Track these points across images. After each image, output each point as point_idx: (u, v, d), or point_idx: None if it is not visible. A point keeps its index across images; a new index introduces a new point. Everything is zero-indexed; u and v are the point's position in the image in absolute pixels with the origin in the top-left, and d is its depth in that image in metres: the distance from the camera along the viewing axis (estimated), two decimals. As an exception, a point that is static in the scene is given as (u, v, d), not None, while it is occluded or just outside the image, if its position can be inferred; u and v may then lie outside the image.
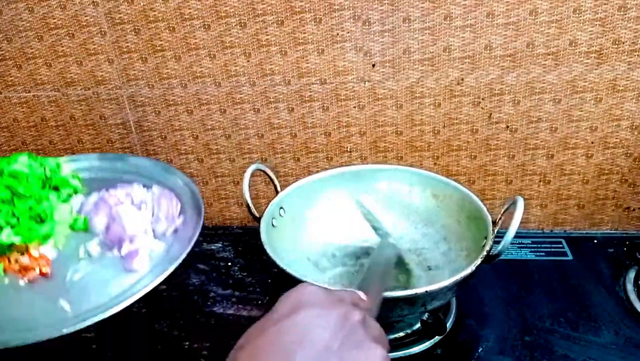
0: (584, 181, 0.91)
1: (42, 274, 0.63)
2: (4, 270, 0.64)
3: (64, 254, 0.67)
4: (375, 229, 0.77)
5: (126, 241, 0.66)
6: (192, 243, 0.65)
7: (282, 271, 0.65)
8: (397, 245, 0.68)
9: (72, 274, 0.64)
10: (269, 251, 0.68)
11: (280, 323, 0.36)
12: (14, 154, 0.72)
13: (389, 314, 0.66)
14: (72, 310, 0.59)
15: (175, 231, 0.71)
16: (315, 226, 0.84)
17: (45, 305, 0.60)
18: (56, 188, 0.72)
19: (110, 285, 0.62)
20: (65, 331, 0.55)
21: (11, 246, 0.64)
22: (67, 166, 0.78)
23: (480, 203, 0.75)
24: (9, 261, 0.64)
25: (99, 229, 0.70)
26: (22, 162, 0.70)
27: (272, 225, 0.75)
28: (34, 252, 0.65)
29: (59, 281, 0.63)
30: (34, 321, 0.58)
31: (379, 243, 0.65)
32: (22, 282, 0.63)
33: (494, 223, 0.71)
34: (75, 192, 0.74)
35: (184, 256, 0.63)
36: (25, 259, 0.64)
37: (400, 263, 0.75)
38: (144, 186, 0.76)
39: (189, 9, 0.85)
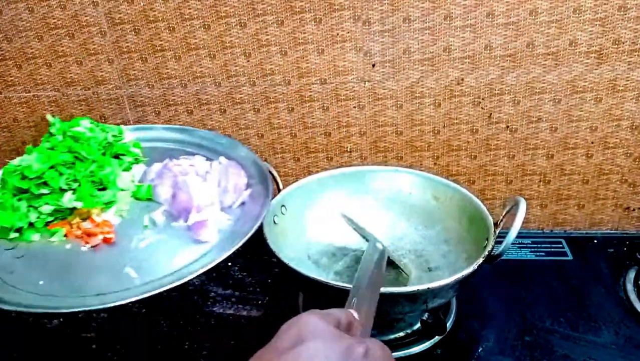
0: (584, 181, 0.91)
1: (105, 240, 0.61)
2: (66, 235, 0.62)
3: (128, 222, 0.64)
4: (363, 237, 0.77)
5: (193, 211, 0.63)
6: (262, 218, 0.63)
7: (284, 266, 0.65)
8: (385, 248, 0.68)
9: (137, 242, 0.61)
10: (271, 246, 0.68)
11: (285, 355, 0.36)
12: (75, 117, 0.70)
13: (390, 311, 0.66)
14: (139, 278, 0.56)
15: (243, 204, 0.68)
16: (316, 226, 0.84)
17: (109, 272, 0.57)
18: (117, 157, 0.70)
19: (177, 255, 0.59)
20: (133, 299, 0.52)
21: (73, 211, 0.62)
22: (129, 134, 0.76)
23: (481, 205, 0.75)
24: (71, 226, 0.62)
25: (163, 199, 0.67)
26: (84, 126, 0.69)
27: (274, 222, 0.76)
28: (97, 218, 0.62)
29: (124, 248, 0.60)
30: (97, 287, 0.55)
31: (366, 249, 0.65)
32: (84, 248, 0.60)
33: (496, 225, 0.71)
34: (137, 161, 0.72)
35: (253, 230, 0.60)
36: (87, 225, 0.62)
37: (391, 266, 0.75)
38: (207, 159, 0.73)
39: (189, 9, 0.85)
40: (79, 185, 0.64)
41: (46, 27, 0.89)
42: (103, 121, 0.95)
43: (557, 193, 0.92)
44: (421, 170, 0.86)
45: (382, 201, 0.86)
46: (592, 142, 0.87)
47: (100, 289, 0.55)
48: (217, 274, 0.88)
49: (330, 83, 0.88)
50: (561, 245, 0.91)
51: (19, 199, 0.62)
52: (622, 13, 0.78)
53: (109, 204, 0.64)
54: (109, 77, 0.92)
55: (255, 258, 0.90)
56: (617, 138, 0.86)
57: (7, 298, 0.54)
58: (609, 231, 0.94)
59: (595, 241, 0.92)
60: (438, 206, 0.82)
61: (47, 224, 0.62)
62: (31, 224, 0.62)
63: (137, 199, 0.67)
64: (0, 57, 0.92)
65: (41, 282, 0.56)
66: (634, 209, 0.92)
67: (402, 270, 0.76)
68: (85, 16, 0.87)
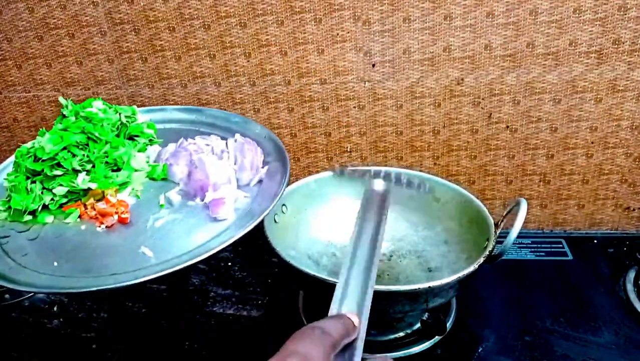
0: (584, 181, 0.91)
1: (120, 220, 0.60)
2: (80, 216, 0.61)
3: (143, 202, 0.63)
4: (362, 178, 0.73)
5: (210, 189, 0.62)
6: (279, 196, 0.61)
7: (285, 264, 0.65)
8: (388, 185, 0.66)
9: (152, 221, 0.60)
10: (273, 244, 0.68)
11: None
12: (88, 99, 0.69)
13: (391, 310, 0.66)
14: (155, 257, 0.55)
15: (260, 181, 0.66)
16: (316, 225, 0.84)
17: (125, 251, 0.56)
18: (131, 138, 0.69)
19: (194, 233, 0.58)
20: (149, 277, 0.51)
21: (87, 192, 0.61)
22: (142, 116, 0.74)
23: (482, 205, 0.75)
24: (85, 207, 0.61)
25: (179, 178, 0.66)
26: (96, 107, 0.67)
27: (275, 221, 0.76)
28: (111, 198, 0.62)
29: (139, 228, 0.59)
30: (113, 268, 0.54)
31: (362, 199, 0.64)
32: (99, 228, 0.59)
33: (496, 225, 0.71)
34: (151, 142, 0.71)
35: (271, 207, 0.59)
36: (102, 205, 0.61)
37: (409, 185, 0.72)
38: (222, 138, 0.72)
39: (189, 9, 0.85)
40: (93, 166, 0.63)
41: (46, 27, 0.89)
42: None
43: (557, 193, 0.92)
44: (421, 170, 0.86)
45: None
46: (592, 142, 0.87)
47: (116, 270, 0.54)
48: (217, 274, 0.88)
49: (330, 83, 0.88)
50: (561, 245, 0.91)
51: (33, 182, 0.62)
52: (622, 13, 0.78)
53: (123, 185, 0.63)
54: (109, 77, 0.92)
55: (255, 258, 0.90)
56: (617, 138, 0.86)
57: (21, 280, 0.53)
58: (609, 231, 0.94)
59: (595, 241, 0.92)
60: (438, 207, 0.82)
61: (61, 206, 0.62)
62: (45, 207, 0.61)
63: (152, 179, 0.66)
64: (0, 57, 0.92)
65: (55, 263, 0.55)
66: (634, 209, 0.92)
67: (422, 185, 0.74)
68: (85, 16, 0.87)
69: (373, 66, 0.86)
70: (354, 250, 0.56)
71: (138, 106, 0.92)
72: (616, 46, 0.80)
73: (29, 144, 0.64)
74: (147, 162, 0.68)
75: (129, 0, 0.85)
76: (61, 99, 0.69)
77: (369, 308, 0.48)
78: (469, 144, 0.90)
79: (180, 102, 0.92)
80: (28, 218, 0.61)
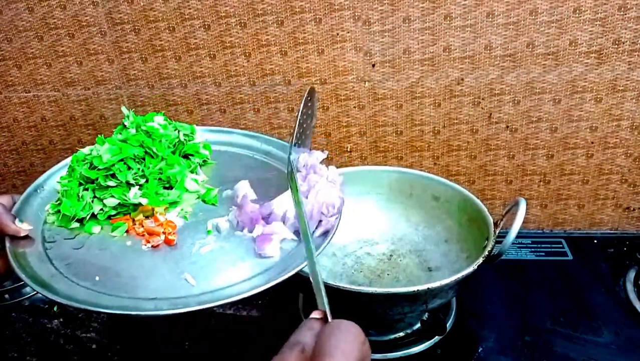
0: (584, 181, 0.91)
1: (167, 241, 0.59)
2: (127, 231, 0.60)
3: (190, 225, 0.62)
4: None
5: (260, 223, 0.60)
6: (330, 239, 0.57)
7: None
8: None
9: (198, 247, 0.58)
10: None
11: None
12: (150, 113, 0.68)
13: (390, 311, 0.66)
14: (197, 286, 0.54)
15: (325, 233, 0.60)
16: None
17: (167, 275, 0.55)
18: (186, 156, 0.68)
19: (238, 266, 0.56)
20: (189, 309, 0.50)
21: (137, 207, 0.60)
22: (201, 135, 0.73)
23: (481, 204, 0.75)
24: (134, 222, 0.60)
25: (230, 206, 0.63)
26: (157, 122, 0.67)
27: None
28: (160, 217, 0.61)
29: (184, 252, 0.58)
30: (154, 291, 0.53)
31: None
32: (144, 247, 0.58)
33: (496, 225, 0.71)
34: (205, 163, 0.70)
35: (320, 251, 0.56)
36: (150, 223, 0.60)
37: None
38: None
39: (189, 9, 0.85)
40: (146, 181, 0.62)
41: (46, 27, 0.89)
42: (103, 121, 0.95)
43: (557, 193, 0.92)
44: (421, 170, 0.86)
45: (382, 201, 0.86)
46: (592, 142, 0.87)
47: (157, 294, 0.53)
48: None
49: (330, 83, 0.88)
50: (561, 245, 0.91)
51: (85, 189, 0.61)
52: (622, 13, 0.78)
53: (173, 204, 0.63)
54: (109, 77, 0.92)
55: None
56: (617, 138, 0.86)
57: (61, 290, 0.52)
58: (609, 231, 0.94)
59: (595, 241, 0.92)
60: (438, 206, 0.82)
61: (109, 218, 0.61)
62: (93, 216, 0.61)
63: (204, 202, 0.65)
64: (0, 57, 0.92)
65: (97, 278, 0.54)
66: (634, 209, 0.92)
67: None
68: (85, 16, 0.87)
69: (373, 65, 0.86)
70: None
71: (138, 106, 0.93)
72: (616, 46, 0.80)
73: (86, 150, 0.63)
74: (199, 183, 0.66)
75: (129, 0, 0.85)
76: (124, 109, 0.68)
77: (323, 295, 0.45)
78: (469, 144, 0.90)
79: (180, 102, 0.92)
80: (75, 225, 0.60)
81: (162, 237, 0.59)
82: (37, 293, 0.82)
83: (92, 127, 0.96)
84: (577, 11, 0.78)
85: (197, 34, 0.86)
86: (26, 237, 0.56)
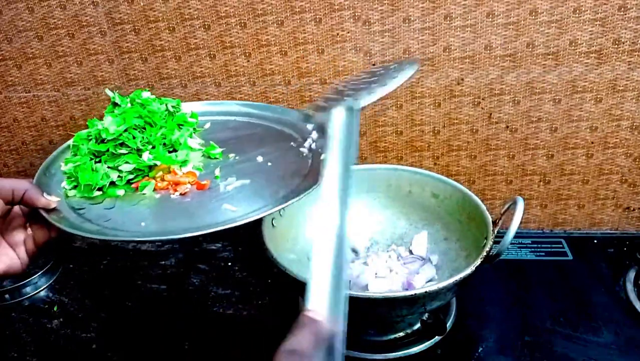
0: (584, 181, 0.91)
1: (200, 187, 0.61)
2: (154, 189, 0.62)
3: (205, 175, 0.65)
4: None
5: None
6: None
7: (283, 272, 0.65)
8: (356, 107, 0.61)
9: (224, 186, 0.61)
10: (271, 252, 0.68)
11: None
12: (136, 90, 0.71)
13: (389, 314, 0.66)
14: (240, 210, 0.56)
15: None
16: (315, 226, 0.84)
17: (209, 210, 0.57)
18: (179, 125, 0.72)
19: (267, 189, 0.60)
20: (242, 222, 0.53)
21: (152, 168, 0.63)
22: (187, 106, 0.77)
23: (480, 203, 0.75)
24: (155, 180, 0.63)
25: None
26: (146, 97, 0.70)
27: (272, 225, 0.76)
28: (178, 172, 0.64)
29: (214, 191, 0.61)
30: (202, 222, 0.55)
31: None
32: (174, 196, 0.61)
33: (494, 223, 0.71)
34: (195, 130, 0.73)
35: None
36: (172, 177, 0.63)
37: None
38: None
39: (189, 9, 0.85)
40: (153, 147, 0.65)
41: (46, 27, 0.89)
42: (103, 121, 0.95)
43: (557, 193, 0.92)
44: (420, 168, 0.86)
45: (381, 200, 0.86)
46: (592, 142, 0.87)
47: (206, 223, 0.55)
48: (217, 274, 0.88)
49: (330, 83, 0.88)
50: (561, 245, 0.91)
51: (97, 162, 0.63)
52: (622, 13, 0.78)
53: (184, 162, 0.66)
54: (109, 77, 0.92)
55: (255, 258, 0.90)
56: (617, 138, 0.86)
57: (119, 233, 0.54)
58: (609, 231, 0.94)
59: (595, 241, 0.92)
60: (437, 204, 0.82)
61: (128, 182, 0.63)
62: (112, 183, 0.63)
63: (208, 157, 0.68)
64: (0, 57, 0.92)
65: (143, 223, 0.56)
66: (634, 209, 0.92)
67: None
68: (85, 16, 0.87)
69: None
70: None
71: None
72: (616, 46, 0.80)
73: (83, 133, 0.66)
74: (200, 144, 0.70)
75: (129, 0, 0.85)
76: (108, 91, 0.71)
77: (344, 305, 0.44)
78: (469, 144, 0.90)
79: (180, 102, 0.92)
80: (97, 193, 0.61)
81: (188, 185, 0.62)
82: (46, 286, 0.86)
83: (92, 127, 0.96)
84: (577, 11, 0.78)
85: (197, 34, 0.86)
86: (54, 210, 0.57)
